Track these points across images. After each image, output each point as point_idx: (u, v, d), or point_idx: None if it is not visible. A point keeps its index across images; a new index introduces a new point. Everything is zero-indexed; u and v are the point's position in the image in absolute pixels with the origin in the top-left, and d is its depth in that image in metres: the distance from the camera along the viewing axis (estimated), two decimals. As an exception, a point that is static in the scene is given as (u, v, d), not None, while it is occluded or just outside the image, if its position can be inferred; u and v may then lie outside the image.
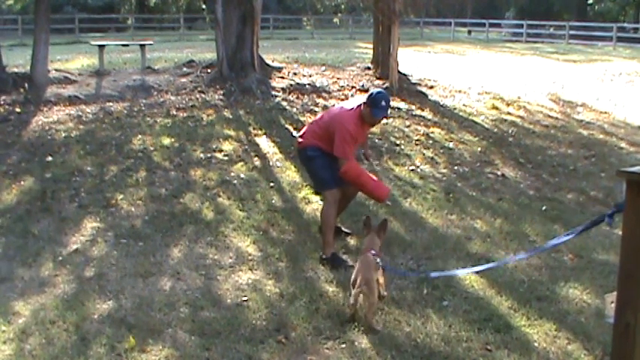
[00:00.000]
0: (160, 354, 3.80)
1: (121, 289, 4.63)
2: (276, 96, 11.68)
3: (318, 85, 12.82)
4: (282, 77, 13.34)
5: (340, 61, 17.11)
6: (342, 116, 5.16)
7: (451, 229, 5.97)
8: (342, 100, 11.78)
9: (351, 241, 5.66)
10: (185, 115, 10.06)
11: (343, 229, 5.75)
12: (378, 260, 4.38)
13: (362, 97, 5.26)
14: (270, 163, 7.87)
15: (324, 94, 12.10)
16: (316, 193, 5.84)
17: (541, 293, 4.60)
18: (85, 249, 5.41)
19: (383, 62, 13.89)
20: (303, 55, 18.59)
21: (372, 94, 5.12)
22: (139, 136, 8.79)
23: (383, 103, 5.06)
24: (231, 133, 9.13)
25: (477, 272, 4.70)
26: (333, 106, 6.12)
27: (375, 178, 5.57)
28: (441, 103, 12.08)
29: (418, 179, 7.50)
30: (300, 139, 5.51)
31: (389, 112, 5.35)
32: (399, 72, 13.08)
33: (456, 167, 8.05)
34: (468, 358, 3.79)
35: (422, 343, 3.94)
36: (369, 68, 15.14)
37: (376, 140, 9.15)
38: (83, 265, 5.07)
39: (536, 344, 3.93)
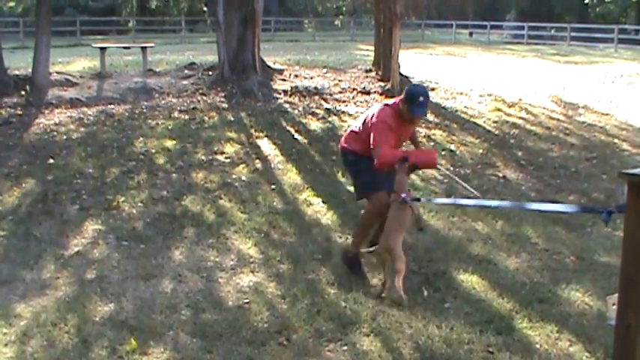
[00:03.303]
0: (162, 356, 3.79)
1: (122, 292, 4.62)
2: (277, 98, 11.69)
3: (319, 87, 12.83)
4: (284, 79, 13.35)
5: (341, 64, 17.12)
6: (378, 112, 4.86)
7: (452, 231, 5.96)
8: (344, 102, 11.80)
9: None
10: (186, 117, 10.07)
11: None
12: (408, 200, 4.51)
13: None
14: (272, 166, 7.87)
15: (325, 97, 12.11)
16: (359, 197, 5.30)
17: (543, 295, 4.59)
18: (87, 251, 5.41)
19: (384, 64, 13.90)
20: (305, 58, 18.59)
21: (408, 88, 4.82)
22: (141, 139, 8.79)
23: (421, 98, 4.69)
24: (233, 135, 9.13)
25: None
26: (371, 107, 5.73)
27: (415, 150, 5.21)
28: (443, 105, 12.07)
29: (420, 181, 7.49)
30: (342, 144, 5.24)
31: (427, 109, 4.94)
32: (400, 74, 13.09)
33: (457, 169, 8.05)
34: (470, 361, 3.78)
35: (423, 345, 3.93)
36: (370, 70, 15.15)
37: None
38: (84, 268, 5.07)
39: (537, 346, 3.92)
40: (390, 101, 4.97)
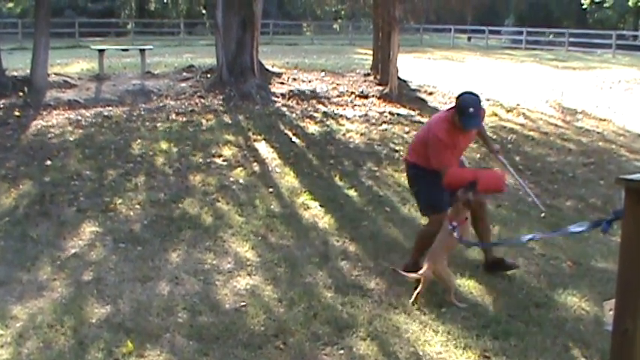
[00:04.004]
0: (158, 359, 3.78)
1: (119, 294, 4.61)
2: (275, 101, 11.70)
3: (317, 90, 12.85)
4: (282, 83, 13.37)
5: (340, 67, 17.14)
6: (432, 125, 4.69)
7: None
8: (341, 106, 11.82)
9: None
10: (184, 119, 10.07)
11: (506, 261, 5.03)
12: (455, 233, 4.46)
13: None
14: (269, 169, 7.87)
15: (323, 100, 12.13)
16: (423, 214, 5.16)
17: (539, 300, 4.59)
18: (84, 253, 5.40)
19: (383, 68, 13.93)
20: (303, 61, 18.62)
21: (459, 99, 4.59)
22: (139, 141, 8.79)
23: (471, 110, 4.48)
24: (231, 138, 9.14)
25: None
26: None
27: (483, 171, 5.09)
28: (441, 110, 12.07)
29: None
30: (406, 157, 5.11)
31: (480, 120, 4.72)
32: (398, 78, 13.11)
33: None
34: (467, 365, 3.78)
35: (420, 349, 3.93)
36: (368, 74, 15.18)
37: (375, 146, 9.16)
38: (81, 270, 5.05)
39: (534, 351, 3.91)
40: (445, 111, 4.75)
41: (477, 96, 4.66)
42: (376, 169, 8.10)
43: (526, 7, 46.39)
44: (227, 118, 10.32)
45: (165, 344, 3.93)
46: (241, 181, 7.36)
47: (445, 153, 4.57)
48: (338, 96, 12.58)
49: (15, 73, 12.77)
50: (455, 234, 4.50)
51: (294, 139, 9.43)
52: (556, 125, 11.46)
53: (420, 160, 4.78)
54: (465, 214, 4.57)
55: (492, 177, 4.97)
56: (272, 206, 6.62)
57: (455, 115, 4.53)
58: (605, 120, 12.06)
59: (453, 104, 4.64)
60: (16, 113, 10.19)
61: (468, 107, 4.48)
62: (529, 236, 4.78)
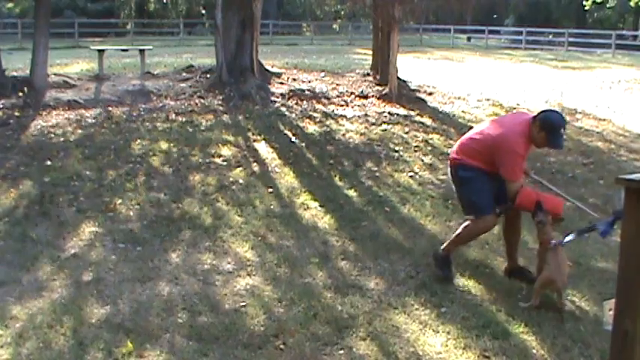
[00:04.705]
0: (158, 359, 3.78)
1: (118, 294, 4.61)
2: (275, 101, 11.70)
3: (317, 90, 12.85)
4: (282, 83, 13.37)
5: (339, 67, 17.14)
6: (509, 135, 4.57)
7: (450, 235, 5.94)
8: (341, 106, 11.81)
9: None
10: (184, 120, 10.07)
11: (526, 271, 5.04)
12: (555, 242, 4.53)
13: (528, 115, 4.79)
14: (269, 169, 7.87)
15: (323, 100, 12.13)
16: (466, 214, 5.12)
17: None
18: (83, 253, 5.39)
19: (382, 68, 13.92)
20: (303, 61, 18.62)
21: (549, 117, 4.55)
22: (138, 141, 8.79)
23: (562, 130, 4.52)
24: (230, 138, 9.14)
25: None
26: (491, 120, 5.40)
27: (542, 194, 4.96)
28: (440, 110, 12.09)
29: (417, 185, 7.50)
30: (454, 155, 4.94)
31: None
32: (398, 78, 13.11)
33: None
34: (466, 365, 3.78)
35: (420, 349, 3.93)
36: (368, 74, 15.18)
37: (375, 146, 9.16)
38: (81, 270, 5.05)
39: (534, 351, 3.92)
40: (515, 122, 4.70)
41: (563, 117, 4.72)
42: (376, 169, 8.10)
43: (526, 8, 46.42)
44: (227, 118, 10.32)
45: (165, 344, 3.93)
46: (241, 181, 7.36)
47: (520, 166, 4.65)
48: (337, 96, 12.58)
49: (15, 74, 12.76)
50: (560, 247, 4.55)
51: (293, 139, 9.43)
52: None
53: (479, 162, 4.72)
54: (551, 233, 4.64)
55: (553, 201, 4.93)
56: (272, 206, 6.61)
57: (540, 131, 4.50)
58: (604, 120, 12.06)
59: (532, 118, 4.59)
60: (16, 113, 10.18)
61: (560, 127, 4.52)
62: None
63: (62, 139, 8.84)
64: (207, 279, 4.91)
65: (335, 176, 7.72)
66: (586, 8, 38.95)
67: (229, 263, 5.22)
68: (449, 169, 5.11)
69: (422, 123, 10.73)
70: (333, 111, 11.34)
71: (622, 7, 38.85)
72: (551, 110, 4.72)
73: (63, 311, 4.32)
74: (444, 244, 5.07)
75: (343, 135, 9.75)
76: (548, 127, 4.49)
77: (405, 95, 12.92)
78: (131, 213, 6.33)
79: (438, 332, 4.13)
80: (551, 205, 4.74)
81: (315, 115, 10.97)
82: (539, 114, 4.63)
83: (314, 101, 11.96)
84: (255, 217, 6.27)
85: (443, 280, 4.87)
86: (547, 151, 9.43)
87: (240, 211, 6.43)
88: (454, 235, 5.05)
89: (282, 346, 3.93)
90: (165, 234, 5.81)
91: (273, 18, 39.57)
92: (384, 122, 10.63)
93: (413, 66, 18.63)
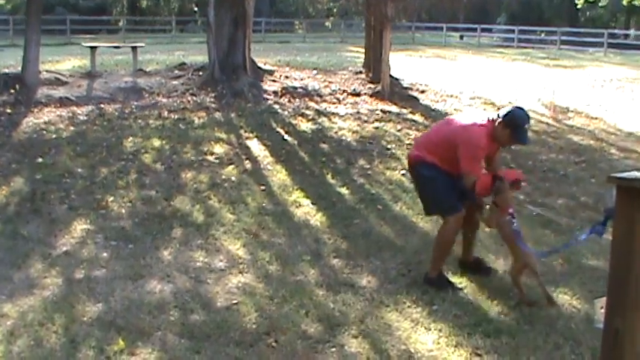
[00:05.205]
0: (149, 357, 3.77)
1: (110, 292, 4.59)
2: (267, 99, 11.68)
3: (309, 88, 12.83)
4: (274, 80, 13.34)
5: (332, 65, 17.12)
6: (472, 131, 4.56)
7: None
8: (333, 103, 11.81)
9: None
10: (176, 117, 10.05)
11: (484, 264, 5.10)
12: (515, 223, 4.57)
13: (491, 113, 4.77)
14: (261, 166, 7.86)
15: (315, 98, 12.11)
16: (427, 214, 5.16)
17: (530, 298, 4.58)
18: (75, 251, 5.37)
19: (374, 66, 13.91)
20: (295, 59, 18.58)
21: (512, 114, 4.54)
22: (130, 138, 8.77)
23: (526, 126, 4.57)
24: (223, 135, 9.12)
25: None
26: (452, 117, 5.36)
27: (505, 170, 4.98)
28: (433, 108, 12.10)
29: (409, 183, 7.49)
30: (413, 153, 4.88)
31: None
32: (390, 76, 13.10)
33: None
34: (458, 363, 3.79)
35: (411, 347, 3.93)
36: (360, 72, 15.16)
37: (367, 144, 9.17)
38: (72, 267, 5.03)
39: (525, 349, 3.92)
40: (478, 120, 4.66)
41: (525, 111, 4.69)
42: (368, 166, 8.10)
43: (518, 6, 46.52)
44: (219, 116, 10.30)
45: (157, 342, 3.92)
46: (233, 178, 7.35)
47: (479, 160, 4.63)
48: (330, 94, 12.56)
49: (6, 70, 12.69)
50: (515, 224, 4.57)
51: (286, 136, 9.43)
52: (547, 123, 11.49)
53: (438, 159, 4.68)
54: (512, 200, 4.68)
55: (512, 173, 5.02)
56: (264, 204, 6.61)
57: (504, 128, 4.51)
58: (596, 118, 12.10)
59: (494, 116, 4.60)
60: (8, 110, 10.12)
61: (524, 123, 4.56)
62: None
63: (54, 136, 8.80)
64: (199, 277, 4.90)
65: (327, 174, 7.72)
66: (578, 7, 39.20)
67: (221, 261, 5.21)
68: (408, 167, 5.06)
69: (414, 121, 10.74)
70: (326, 109, 11.34)
71: (614, 6, 39.03)
72: (515, 107, 4.70)
73: (54, 309, 4.31)
74: (430, 267, 4.85)
75: (335, 133, 9.75)
76: (513, 124, 4.51)
77: (398, 93, 12.93)
78: (123, 210, 6.31)
79: (430, 330, 4.13)
80: (508, 176, 4.78)
81: (307, 112, 10.96)
82: (502, 112, 4.63)
83: (306, 99, 11.95)
84: (247, 215, 6.26)
85: (448, 290, 4.69)
86: (539, 149, 9.49)
87: (232, 208, 6.42)
88: (433, 253, 4.88)
89: (273, 344, 3.92)
90: (157, 231, 5.80)
91: (266, 15, 39.47)
92: (377, 120, 10.63)
93: (405, 64, 18.62)
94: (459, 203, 4.70)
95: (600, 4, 38.06)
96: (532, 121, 11.27)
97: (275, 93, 12.12)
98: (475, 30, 38.47)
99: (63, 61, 16.89)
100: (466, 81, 15.62)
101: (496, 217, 4.68)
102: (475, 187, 4.59)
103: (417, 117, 11.06)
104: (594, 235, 3.18)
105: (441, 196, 4.73)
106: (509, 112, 4.59)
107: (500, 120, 4.53)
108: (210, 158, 8.03)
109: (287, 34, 39.03)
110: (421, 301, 4.52)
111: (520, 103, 12.71)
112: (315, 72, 15.07)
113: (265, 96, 11.88)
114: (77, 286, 4.68)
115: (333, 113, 10.98)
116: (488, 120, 4.61)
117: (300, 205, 6.60)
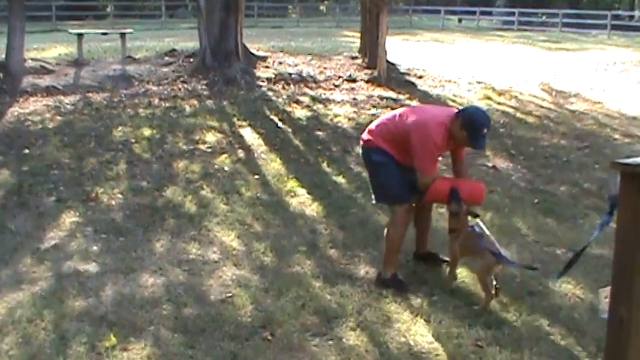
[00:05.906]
0: (142, 352, 3.69)
1: (101, 286, 4.50)
2: (260, 86, 11.59)
3: (304, 74, 12.74)
4: (267, 67, 13.23)
5: (327, 50, 17.02)
6: (430, 125, 4.27)
7: (441, 222, 5.81)
8: (329, 89, 11.70)
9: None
10: (167, 105, 9.97)
11: (441, 256, 4.90)
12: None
13: (452, 110, 4.53)
14: (255, 155, 7.77)
15: (310, 84, 12.03)
16: (376, 202, 4.93)
17: (533, 288, 4.51)
18: (64, 244, 5.27)
19: (371, 51, 13.80)
20: (289, 44, 18.48)
21: (472, 115, 4.27)
22: (120, 128, 8.67)
23: (485, 130, 4.22)
24: (215, 124, 9.04)
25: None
26: (414, 107, 5.11)
27: (461, 180, 4.65)
28: (431, 93, 12.01)
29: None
30: (366, 137, 4.62)
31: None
32: (387, 61, 13.01)
33: (445, 159, 7.94)
34: (459, 355, 3.70)
35: (411, 339, 3.85)
36: (356, 57, 15.07)
37: (363, 130, 9.06)
38: (61, 261, 4.93)
39: (528, 340, 3.84)
40: (439, 115, 4.41)
41: (486, 113, 4.48)
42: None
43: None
44: (211, 104, 10.21)
45: (150, 337, 3.84)
46: (226, 168, 7.25)
47: (435, 158, 4.40)
48: (325, 80, 12.47)
49: (-10, 59, 12.52)
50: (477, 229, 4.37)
51: (280, 124, 9.33)
52: (549, 108, 11.39)
53: (391, 148, 4.46)
54: (466, 223, 4.43)
55: (472, 188, 4.65)
56: (258, 194, 6.51)
57: (462, 129, 4.22)
58: (599, 103, 12.00)
59: (455, 114, 4.32)
60: (-7, 100, 10.01)
61: (483, 127, 4.23)
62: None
63: (40, 126, 8.70)
64: (193, 269, 4.81)
65: (323, 162, 7.64)
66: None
67: (215, 253, 5.12)
68: (361, 150, 4.82)
69: (412, 107, 10.62)
70: (321, 95, 11.25)
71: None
72: (474, 107, 4.46)
73: (43, 304, 4.22)
74: (383, 269, 4.60)
75: (331, 120, 9.65)
76: (469, 126, 4.20)
77: (395, 78, 12.83)
78: (113, 202, 6.20)
79: (430, 321, 4.05)
80: (469, 192, 4.47)
81: (302, 99, 10.87)
82: (461, 110, 4.40)
83: (301, 85, 11.86)
84: (241, 205, 6.16)
85: (404, 291, 4.48)
86: (540, 134, 9.39)
87: (225, 199, 6.33)
88: (384, 253, 4.64)
89: (270, 338, 3.86)
90: (149, 223, 5.70)
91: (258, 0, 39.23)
92: (373, 106, 10.53)
93: (402, 48, 18.51)
94: (407, 194, 4.49)
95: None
96: (533, 106, 11.34)
97: (268, 80, 12.02)
98: (474, 13, 38.31)
99: (49, 49, 16.69)
100: (465, 66, 15.53)
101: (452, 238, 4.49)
102: (427, 191, 4.39)
103: (415, 103, 10.97)
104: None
105: (389, 184, 4.52)
106: (467, 112, 4.35)
107: (458, 119, 4.25)
108: (203, 147, 7.93)
109: (280, 19, 38.88)
110: (420, 292, 4.44)
111: (521, 88, 12.68)
112: (309, 58, 14.96)
113: (258, 83, 11.79)
114: (67, 281, 4.59)
115: (328, 100, 10.89)
116: (450, 116, 4.33)
117: (295, 195, 6.50)
